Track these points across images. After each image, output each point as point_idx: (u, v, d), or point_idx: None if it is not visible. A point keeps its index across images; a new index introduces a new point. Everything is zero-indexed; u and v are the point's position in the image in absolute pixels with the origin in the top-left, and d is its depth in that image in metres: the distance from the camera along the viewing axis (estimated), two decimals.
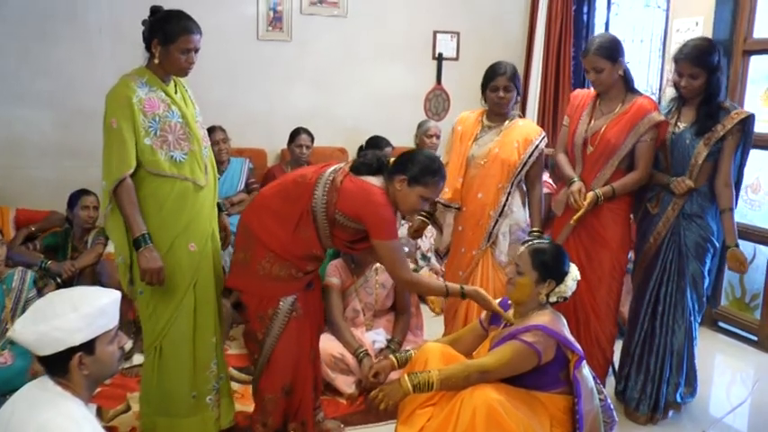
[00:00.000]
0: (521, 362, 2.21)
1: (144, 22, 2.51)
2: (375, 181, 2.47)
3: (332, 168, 2.49)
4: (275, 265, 2.44)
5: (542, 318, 2.27)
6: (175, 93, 2.56)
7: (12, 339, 2.81)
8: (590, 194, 2.86)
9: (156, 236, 2.42)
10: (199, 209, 2.53)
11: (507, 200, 2.97)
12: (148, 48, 2.50)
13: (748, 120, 2.76)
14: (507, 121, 3.03)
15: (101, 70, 4.58)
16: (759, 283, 3.92)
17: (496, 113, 3.03)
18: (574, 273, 2.37)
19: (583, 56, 2.91)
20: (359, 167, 2.50)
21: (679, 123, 2.86)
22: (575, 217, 2.88)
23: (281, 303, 2.46)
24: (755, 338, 3.91)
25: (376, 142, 4.55)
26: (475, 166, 3.00)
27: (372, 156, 2.56)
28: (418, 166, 2.43)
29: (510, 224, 3.00)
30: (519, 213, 3.04)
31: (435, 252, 3.87)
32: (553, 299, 2.35)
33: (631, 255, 3.20)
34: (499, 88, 2.95)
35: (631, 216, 3.11)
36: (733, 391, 3.41)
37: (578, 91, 3.22)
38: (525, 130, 3.02)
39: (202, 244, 2.57)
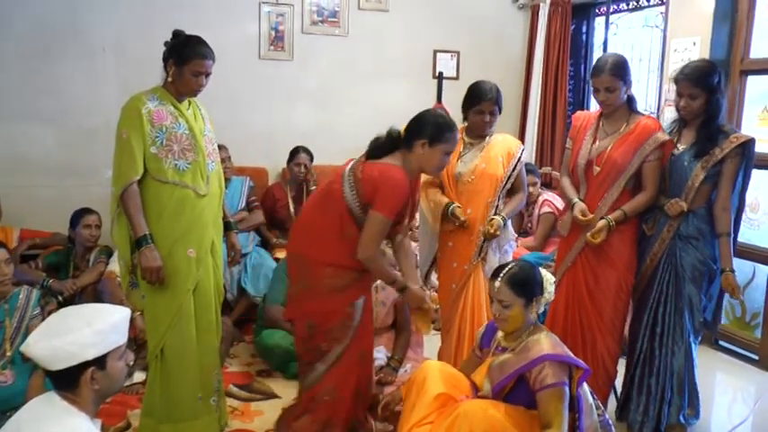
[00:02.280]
0: (565, 402, 2.21)
1: (165, 44, 2.68)
2: (392, 160, 2.60)
3: (351, 164, 2.63)
4: (337, 276, 2.55)
5: (540, 345, 2.26)
6: (187, 109, 2.72)
7: (11, 359, 2.87)
8: (602, 222, 2.84)
9: (156, 240, 2.58)
10: (198, 216, 2.67)
11: (496, 214, 3.02)
12: (165, 67, 2.66)
13: (748, 144, 2.74)
14: (488, 137, 3.08)
15: (104, 88, 4.64)
16: (759, 303, 3.92)
17: (479, 134, 3.08)
18: (546, 275, 2.38)
19: (595, 75, 2.87)
20: (374, 152, 2.62)
21: (678, 145, 2.86)
22: (589, 235, 2.85)
23: (354, 307, 2.57)
24: (756, 357, 3.90)
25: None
26: (463, 183, 3.05)
27: (383, 136, 2.69)
28: (433, 127, 2.59)
29: (498, 238, 3.04)
30: (506, 227, 3.10)
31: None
32: (541, 309, 2.37)
33: None
34: (485, 112, 3.00)
35: None
36: (734, 410, 3.40)
37: (580, 113, 3.21)
38: (507, 145, 3.09)
39: (202, 252, 2.70)
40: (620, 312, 2.98)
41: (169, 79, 2.66)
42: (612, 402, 3.15)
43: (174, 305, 2.64)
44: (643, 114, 2.99)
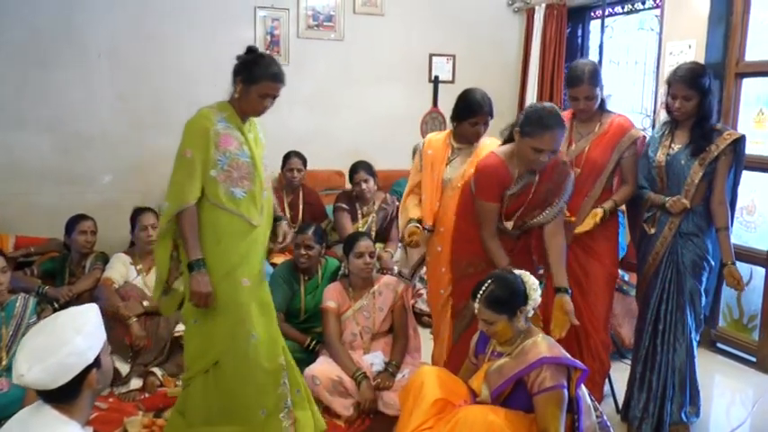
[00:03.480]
0: (563, 406, 2.21)
1: (237, 58, 2.63)
2: (504, 147, 2.72)
3: None
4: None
5: (537, 348, 2.26)
6: (249, 131, 2.66)
7: (6, 367, 2.85)
8: (598, 210, 2.92)
9: (212, 265, 2.53)
10: (251, 245, 2.62)
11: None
12: (234, 82, 2.61)
13: (740, 141, 2.83)
14: (476, 142, 3.08)
15: (100, 95, 4.63)
16: (756, 305, 3.92)
17: (469, 141, 3.08)
18: (529, 281, 2.37)
19: (574, 85, 2.91)
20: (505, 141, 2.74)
21: (673, 145, 2.91)
22: (578, 228, 2.93)
23: None
24: (754, 359, 3.89)
25: (354, 168, 4.57)
26: (451, 188, 3.04)
27: (507, 126, 2.77)
28: (525, 117, 2.58)
29: None
30: None
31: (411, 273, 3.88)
32: (531, 313, 2.38)
33: (626, 275, 3.21)
34: (479, 124, 3.00)
35: (628, 237, 3.16)
36: (732, 412, 3.39)
37: None
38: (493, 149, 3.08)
39: (255, 281, 2.65)
40: (609, 305, 3.08)
41: (236, 95, 2.59)
42: (610, 396, 3.19)
43: (227, 332, 2.59)
44: (613, 113, 3.06)
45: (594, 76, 2.90)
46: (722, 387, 3.30)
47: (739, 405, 3.51)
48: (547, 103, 2.71)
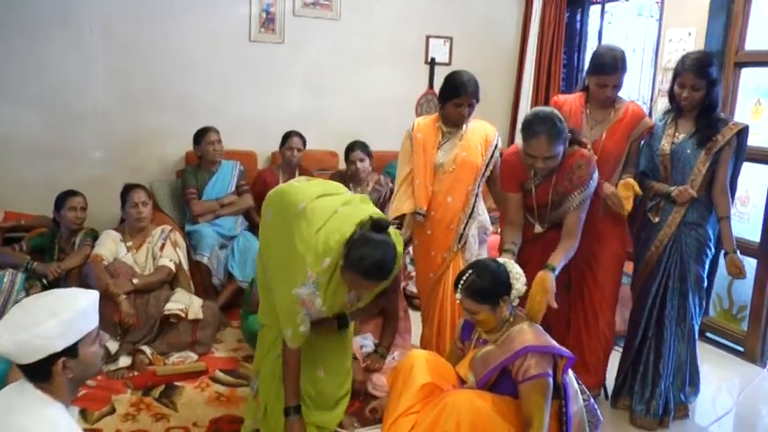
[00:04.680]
0: (547, 394, 2.20)
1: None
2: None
3: None
4: None
5: (522, 336, 2.26)
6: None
7: None
8: (631, 182, 2.85)
9: None
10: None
11: (476, 201, 3.03)
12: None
13: (743, 131, 2.85)
14: (465, 126, 3.07)
15: (91, 71, 4.57)
16: (746, 295, 3.93)
17: (455, 124, 3.06)
18: (513, 270, 2.36)
19: (603, 73, 2.84)
20: None
21: (678, 134, 2.91)
22: (624, 210, 2.87)
23: None
24: (742, 349, 3.92)
25: (351, 146, 4.54)
26: (443, 172, 3.04)
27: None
28: (522, 121, 2.67)
29: (478, 226, 3.07)
30: (484, 216, 3.13)
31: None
32: (515, 302, 2.36)
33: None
34: (463, 105, 2.97)
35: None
36: (719, 401, 3.42)
37: (562, 97, 3.20)
38: (484, 131, 3.09)
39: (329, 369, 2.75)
40: (618, 286, 3.09)
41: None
42: (610, 381, 3.21)
43: None
44: (624, 99, 3.03)
45: (625, 62, 2.87)
46: (710, 376, 3.32)
47: (726, 394, 3.53)
48: (545, 108, 2.68)
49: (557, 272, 2.57)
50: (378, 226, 2.36)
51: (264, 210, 2.73)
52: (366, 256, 2.28)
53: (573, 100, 3.08)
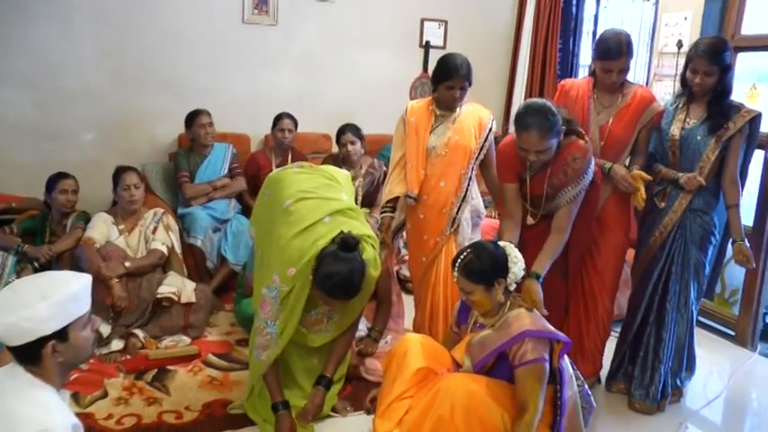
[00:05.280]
0: (543, 380, 2.20)
1: None
2: None
3: None
4: None
5: (520, 321, 2.26)
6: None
7: None
8: (638, 173, 2.84)
9: None
10: None
11: (469, 185, 3.03)
12: None
13: (756, 119, 2.81)
14: (458, 109, 3.05)
15: (82, 50, 4.51)
16: (738, 280, 3.96)
17: (448, 107, 3.04)
18: (512, 254, 2.36)
19: (609, 58, 2.81)
20: None
21: (688, 120, 2.88)
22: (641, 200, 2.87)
23: None
24: (733, 333, 3.95)
25: (342, 129, 4.51)
26: (435, 156, 3.03)
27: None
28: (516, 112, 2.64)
29: (471, 210, 3.06)
30: (477, 200, 3.13)
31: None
32: (513, 287, 2.36)
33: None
34: (455, 88, 2.95)
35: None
36: (710, 384, 3.44)
37: (570, 81, 3.17)
38: (478, 115, 3.07)
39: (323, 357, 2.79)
40: (618, 274, 3.08)
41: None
42: (605, 366, 3.23)
43: None
44: (634, 83, 3.00)
45: (630, 47, 2.82)
46: (701, 360, 3.34)
47: (716, 377, 3.56)
48: (538, 101, 2.66)
49: (541, 279, 2.59)
50: (345, 244, 2.35)
51: (263, 190, 2.74)
52: (331, 274, 2.31)
53: (580, 84, 3.06)
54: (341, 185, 2.72)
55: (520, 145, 2.59)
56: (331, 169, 2.84)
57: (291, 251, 2.38)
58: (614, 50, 2.80)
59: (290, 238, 2.39)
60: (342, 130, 4.35)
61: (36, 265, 3.42)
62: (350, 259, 2.33)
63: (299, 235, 2.39)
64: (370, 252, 2.48)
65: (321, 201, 2.53)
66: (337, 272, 2.30)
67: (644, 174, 2.84)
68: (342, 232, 2.38)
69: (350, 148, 4.27)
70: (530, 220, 2.82)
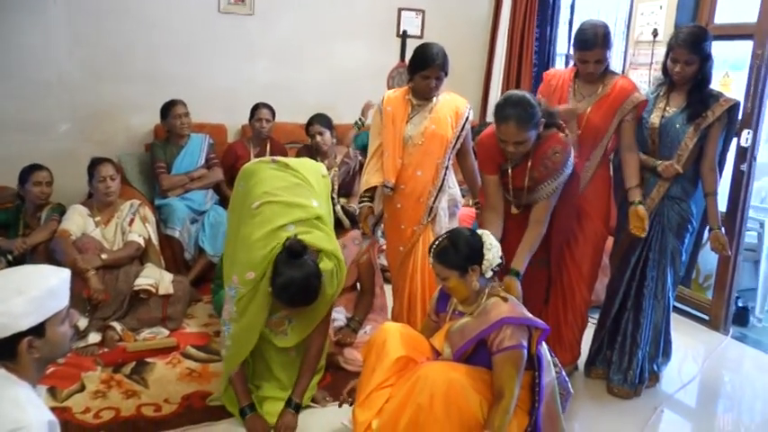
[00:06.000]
0: (520, 366, 2.22)
1: None
2: None
3: None
4: None
5: (498, 308, 2.27)
6: None
7: None
8: (642, 210, 2.86)
9: None
10: None
11: (445, 174, 3.04)
12: None
13: (734, 107, 2.85)
14: (435, 98, 3.06)
15: (55, 40, 4.42)
16: (712, 265, 4.03)
17: (424, 97, 3.05)
18: (487, 241, 2.36)
19: (585, 48, 2.82)
20: None
21: (668, 108, 2.91)
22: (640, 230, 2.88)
23: None
24: (707, 318, 4.02)
25: (310, 120, 4.49)
26: (412, 145, 3.03)
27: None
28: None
29: (448, 199, 3.08)
30: (455, 189, 3.14)
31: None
32: (489, 274, 2.36)
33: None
34: (430, 78, 2.95)
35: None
36: (684, 368, 3.50)
37: (553, 71, 3.22)
38: (454, 104, 3.07)
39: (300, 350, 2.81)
40: (597, 264, 3.10)
41: None
42: (584, 353, 3.26)
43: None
44: (617, 74, 3.02)
45: (607, 38, 2.83)
46: (676, 344, 3.40)
47: (691, 361, 3.62)
48: (517, 92, 2.67)
49: (520, 276, 2.61)
50: (291, 251, 2.38)
51: (238, 180, 2.74)
52: (286, 282, 2.36)
53: (562, 74, 3.08)
54: (313, 188, 2.69)
55: (499, 136, 2.60)
56: (305, 168, 2.79)
57: (253, 254, 2.40)
58: (590, 41, 2.81)
59: (254, 241, 2.42)
60: (310, 122, 4.35)
61: (9, 258, 3.37)
62: (301, 264, 2.37)
63: (262, 239, 2.42)
64: (327, 264, 2.50)
65: (287, 206, 2.53)
66: (291, 279, 2.35)
67: (643, 212, 2.86)
68: (288, 239, 2.40)
69: (318, 138, 4.27)
70: (513, 210, 2.84)
